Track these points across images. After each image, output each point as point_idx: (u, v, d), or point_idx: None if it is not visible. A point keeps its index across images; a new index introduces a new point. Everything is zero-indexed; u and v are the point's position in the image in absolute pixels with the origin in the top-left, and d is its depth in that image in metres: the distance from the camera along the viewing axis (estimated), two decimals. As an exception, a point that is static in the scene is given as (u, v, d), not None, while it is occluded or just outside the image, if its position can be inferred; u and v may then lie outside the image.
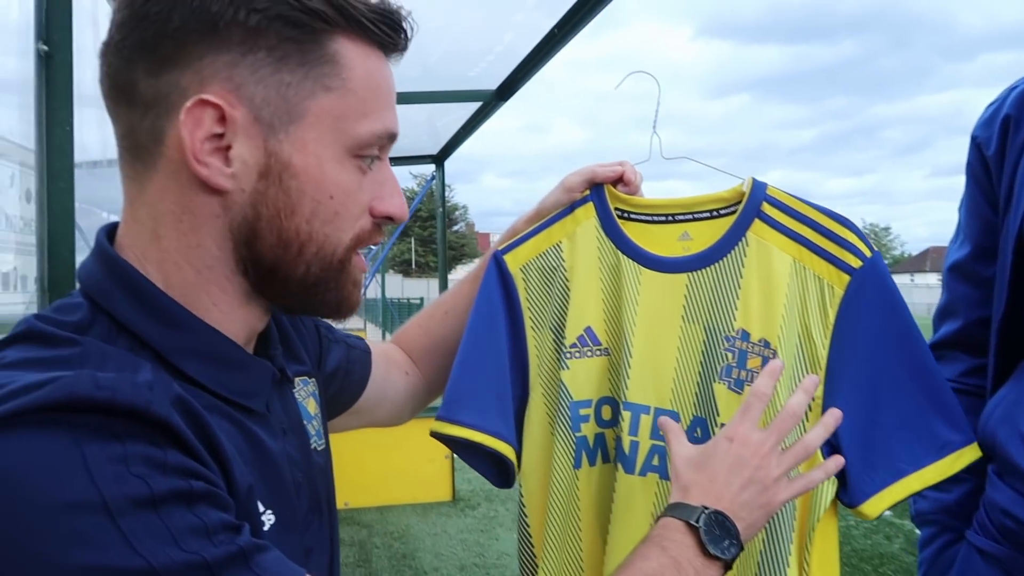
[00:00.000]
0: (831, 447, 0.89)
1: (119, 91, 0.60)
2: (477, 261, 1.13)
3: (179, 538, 0.48)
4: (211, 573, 0.48)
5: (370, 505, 4.96)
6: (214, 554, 0.49)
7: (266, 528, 0.62)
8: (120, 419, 0.49)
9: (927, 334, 0.97)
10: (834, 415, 0.82)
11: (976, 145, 0.98)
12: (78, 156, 1.70)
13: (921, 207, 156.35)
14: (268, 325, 0.72)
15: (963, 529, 0.95)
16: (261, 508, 0.62)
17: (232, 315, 0.65)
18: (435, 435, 0.99)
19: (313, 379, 0.83)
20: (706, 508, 0.74)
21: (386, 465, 4.84)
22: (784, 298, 0.91)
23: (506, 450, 0.98)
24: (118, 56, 0.60)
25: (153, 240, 0.62)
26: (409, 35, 0.66)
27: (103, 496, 0.46)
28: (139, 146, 0.61)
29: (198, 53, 0.58)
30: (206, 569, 0.48)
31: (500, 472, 1.02)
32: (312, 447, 0.76)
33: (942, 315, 1.07)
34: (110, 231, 0.65)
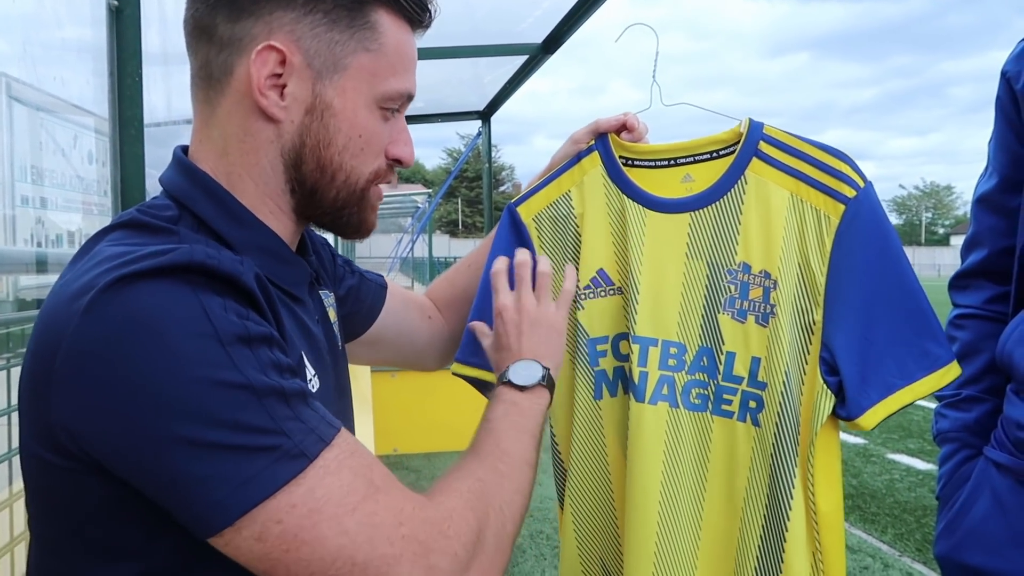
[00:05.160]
0: (828, 366, 0.94)
1: (200, 30, 0.74)
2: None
3: (264, 368, 0.61)
4: (285, 399, 0.61)
5: (418, 451, 5.15)
6: (286, 386, 0.62)
7: (314, 390, 0.76)
8: (221, 281, 0.63)
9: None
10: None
11: (1006, 80, 1.00)
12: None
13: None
14: (303, 238, 0.87)
15: (981, 446, 1.01)
16: (311, 373, 0.76)
17: (282, 224, 0.79)
18: (455, 374, 1.10)
19: (332, 294, 0.97)
20: (509, 366, 0.92)
21: (433, 414, 4.98)
22: (783, 231, 0.96)
23: None
24: (204, 2, 0.73)
25: (222, 156, 0.76)
26: (433, 15, 0.81)
27: (216, 329, 0.60)
28: (212, 76, 0.74)
29: (269, 8, 0.72)
30: (282, 395, 0.61)
31: None
32: (337, 344, 0.92)
33: (969, 245, 1.11)
34: (184, 149, 0.79)
